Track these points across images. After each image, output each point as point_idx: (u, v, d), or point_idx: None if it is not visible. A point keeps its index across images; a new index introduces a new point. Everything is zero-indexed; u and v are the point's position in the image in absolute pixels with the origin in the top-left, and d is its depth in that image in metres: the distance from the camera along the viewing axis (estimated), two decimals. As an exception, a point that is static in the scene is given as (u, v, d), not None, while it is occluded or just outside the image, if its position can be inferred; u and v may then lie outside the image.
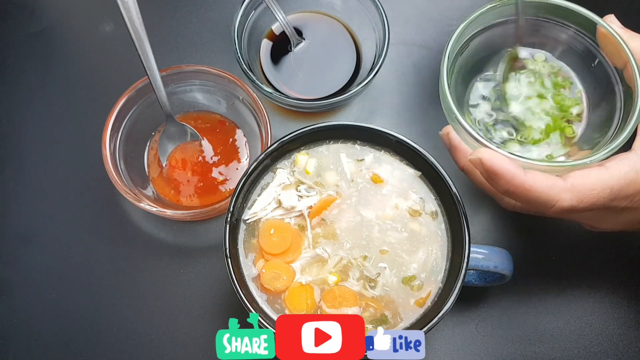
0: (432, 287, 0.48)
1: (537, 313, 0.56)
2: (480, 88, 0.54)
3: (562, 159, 0.51)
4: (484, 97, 0.53)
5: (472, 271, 0.53)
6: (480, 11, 0.51)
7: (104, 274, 0.57)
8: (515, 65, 0.53)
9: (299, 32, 0.63)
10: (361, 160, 0.51)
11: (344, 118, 0.63)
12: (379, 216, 0.50)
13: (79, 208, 0.59)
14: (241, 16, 0.58)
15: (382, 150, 0.52)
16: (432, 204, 0.50)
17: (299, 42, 0.63)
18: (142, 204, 0.53)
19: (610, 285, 0.57)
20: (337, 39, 0.63)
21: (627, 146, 0.46)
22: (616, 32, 0.48)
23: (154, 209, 0.53)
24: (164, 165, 0.59)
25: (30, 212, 0.59)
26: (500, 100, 0.52)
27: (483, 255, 0.48)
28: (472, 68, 0.54)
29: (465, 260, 0.46)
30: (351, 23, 0.63)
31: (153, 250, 0.58)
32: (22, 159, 0.61)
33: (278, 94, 0.58)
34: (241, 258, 0.49)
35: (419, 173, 0.51)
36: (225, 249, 0.46)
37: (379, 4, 0.58)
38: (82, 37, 0.67)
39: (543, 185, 0.43)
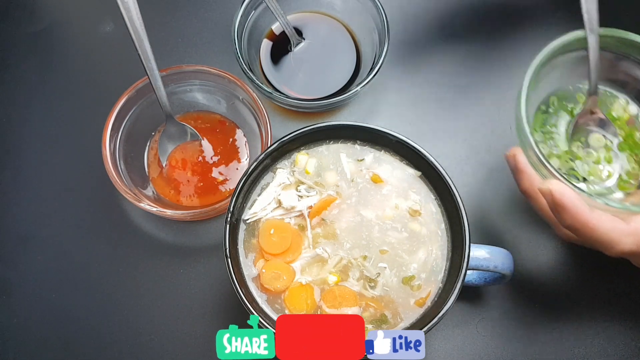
0: (432, 287, 0.48)
1: (537, 313, 0.56)
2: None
3: (620, 195, 0.51)
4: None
5: (472, 271, 0.53)
6: (566, 39, 0.50)
7: (104, 274, 0.57)
8: (589, 118, 0.52)
9: (299, 32, 0.63)
10: (361, 160, 0.51)
11: (344, 118, 0.63)
12: (379, 216, 0.50)
13: (79, 208, 0.59)
14: (241, 16, 0.58)
15: (382, 150, 0.52)
16: (432, 204, 0.50)
17: (299, 42, 0.63)
18: (142, 204, 0.53)
19: (610, 285, 0.57)
20: (337, 39, 0.63)
21: None
22: None
23: (154, 209, 0.53)
24: (164, 165, 0.59)
25: (30, 212, 0.59)
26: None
27: (483, 255, 0.48)
28: (546, 96, 0.54)
29: (465, 260, 0.46)
30: (351, 23, 0.63)
31: (153, 250, 0.58)
32: (22, 158, 0.61)
33: (278, 94, 0.58)
34: (241, 258, 0.49)
35: (419, 173, 0.51)
36: (225, 249, 0.46)
37: (379, 4, 0.58)
38: (82, 37, 0.67)
39: (607, 227, 0.43)
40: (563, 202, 0.43)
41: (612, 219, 0.44)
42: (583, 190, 0.45)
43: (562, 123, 0.54)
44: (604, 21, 0.49)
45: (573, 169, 0.52)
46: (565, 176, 0.45)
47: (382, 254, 0.49)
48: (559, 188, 0.44)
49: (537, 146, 0.47)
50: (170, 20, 0.66)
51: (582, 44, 0.50)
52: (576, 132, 0.52)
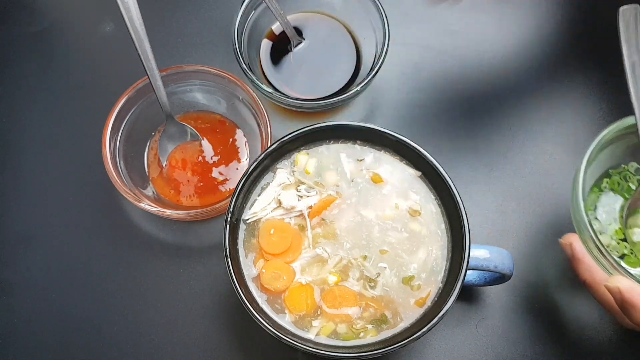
0: (432, 287, 0.48)
1: (537, 313, 0.56)
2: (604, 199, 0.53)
3: None
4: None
5: (472, 271, 0.53)
6: (625, 124, 0.49)
7: (104, 274, 0.57)
8: None
9: (299, 32, 0.63)
10: (361, 160, 0.51)
11: (344, 118, 0.63)
12: (379, 216, 0.50)
13: (79, 208, 0.59)
14: (241, 16, 0.58)
15: (382, 150, 0.52)
16: (432, 204, 0.50)
17: (299, 42, 0.63)
18: (142, 204, 0.53)
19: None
20: (337, 39, 0.63)
21: None
22: None
23: (154, 209, 0.53)
24: (164, 165, 0.59)
25: (30, 212, 0.59)
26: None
27: (483, 255, 0.48)
28: (598, 178, 0.54)
29: (465, 260, 0.46)
30: (351, 23, 0.63)
31: (153, 250, 0.58)
32: (22, 159, 0.61)
33: (278, 94, 0.58)
34: (241, 258, 0.49)
35: (419, 173, 0.51)
36: (225, 249, 0.46)
37: (379, 4, 0.58)
38: (82, 37, 0.67)
39: None
40: (632, 300, 0.43)
41: None
42: None
43: (612, 203, 0.53)
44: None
45: (626, 254, 0.51)
46: (626, 269, 0.44)
47: (382, 254, 0.49)
48: (628, 287, 0.43)
49: (599, 239, 0.46)
50: (170, 20, 0.66)
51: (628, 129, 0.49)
52: (631, 214, 0.52)
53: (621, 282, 0.44)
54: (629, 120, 0.49)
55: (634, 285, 0.44)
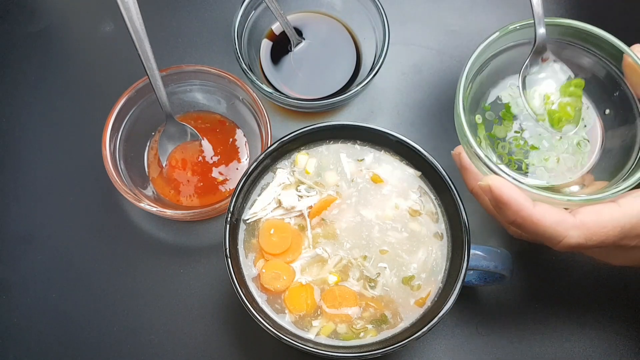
0: (432, 287, 0.48)
1: (537, 313, 0.56)
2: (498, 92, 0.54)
3: (576, 188, 0.50)
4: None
5: (472, 271, 0.53)
6: (501, 32, 0.50)
7: (103, 273, 0.57)
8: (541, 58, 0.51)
9: (299, 32, 0.63)
10: (361, 160, 0.51)
11: (344, 118, 0.63)
12: (379, 216, 0.50)
13: (79, 208, 0.59)
14: (241, 16, 0.59)
15: (382, 150, 0.52)
16: (432, 204, 0.50)
17: (299, 42, 0.63)
18: (142, 204, 0.53)
19: (610, 285, 0.57)
20: (337, 39, 0.63)
21: None
22: None
23: (154, 209, 0.53)
24: (164, 165, 0.59)
25: (30, 212, 0.59)
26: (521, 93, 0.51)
27: (483, 255, 0.48)
28: (487, 89, 0.54)
29: (465, 260, 0.46)
30: (351, 23, 0.63)
31: (153, 250, 0.58)
32: (22, 158, 0.61)
33: (278, 94, 0.58)
34: (241, 258, 0.49)
35: (419, 173, 0.51)
36: (225, 249, 0.46)
37: (379, 4, 0.58)
38: (82, 37, 0.67)
39: (551, 220, 0.42)
40: (502, 197, 0.42)
41: (557, 211, 0.42)
42: (523, 183, 0.43)
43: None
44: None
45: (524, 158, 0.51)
46: (504, 169, 0.44)
47: (382, 254, 0.49)
48: (498, 183, 0.42)
49: (471, 138, 0.46)
50: (170, 20, 0.66)
51: (517, 37, 0.50)
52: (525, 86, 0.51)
53: (492, 180, 0.42)
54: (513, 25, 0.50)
55: (504, 182, 0.42)
